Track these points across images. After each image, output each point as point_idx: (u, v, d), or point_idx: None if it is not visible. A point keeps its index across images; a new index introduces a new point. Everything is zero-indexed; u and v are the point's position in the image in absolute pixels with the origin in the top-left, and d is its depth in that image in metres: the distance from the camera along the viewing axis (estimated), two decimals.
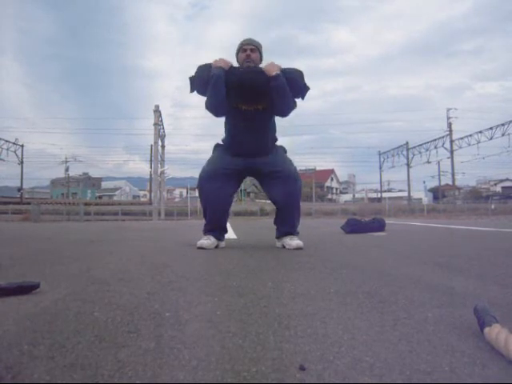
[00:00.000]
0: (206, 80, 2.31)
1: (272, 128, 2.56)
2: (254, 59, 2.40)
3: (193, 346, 0.69)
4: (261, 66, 2.43)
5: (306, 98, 2.44)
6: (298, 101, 2.44)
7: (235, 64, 2.45)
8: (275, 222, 2.62)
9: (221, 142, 2.65)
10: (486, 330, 0.71)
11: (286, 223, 2.53)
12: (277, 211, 2.59)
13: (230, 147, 2.53)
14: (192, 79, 2.40)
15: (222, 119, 2.58)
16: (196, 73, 2.39)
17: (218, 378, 0.56)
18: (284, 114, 2.46)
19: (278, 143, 2.67)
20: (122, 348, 0.68)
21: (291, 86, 2.32)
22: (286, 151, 2.66)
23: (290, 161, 2.61)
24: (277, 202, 2.53)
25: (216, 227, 2.53)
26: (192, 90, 2.41)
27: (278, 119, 2.59)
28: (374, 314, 0.91)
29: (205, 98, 2.39)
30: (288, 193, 2.47)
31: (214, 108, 2.40)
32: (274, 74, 2.25)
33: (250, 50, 2.40)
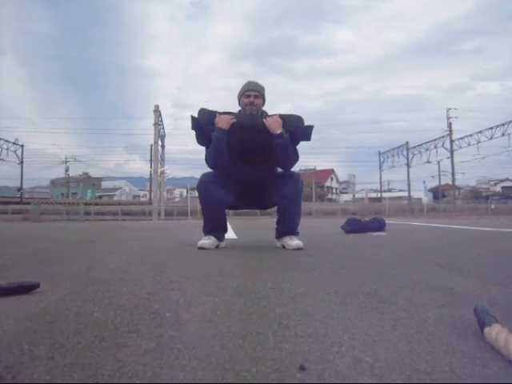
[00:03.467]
0: (208, 134, 2.36)
1: (274, 168, 2.55)
2: (257, 105, 2.43)
3: (193, 346, 0.69)
4: (264, 113, 2.45)
5: (311, 136, 2.50)
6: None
7: (235, 108, 2.50)
8: (277, 223, 2.61)
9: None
10: (486, 330, 0.71)
11: (287, 223, 2.52)
12: (278, 211, 2.58)
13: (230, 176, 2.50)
14: (194, 119, 2.43)
15: None
16: (198, 119, 2.41)
17: (218, 378, 0.56)
18: (286, 168, 2.52)
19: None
20: (121, 348, 0.68)
21: (294, 134, 2.37)
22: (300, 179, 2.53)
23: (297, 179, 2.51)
24: (278, 202, 2.53)
25: (216, 227, 2.53)
26: (193, 128, 2.44)
27: None
28: (374, 314, 0.91)
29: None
30: (289, 192, 2.45)
31: (214, 166, 2.49)
32: (278, 132, 2.29)
33: (253, 96, 2.41)
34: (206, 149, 2.47)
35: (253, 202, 2.69)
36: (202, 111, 2.43)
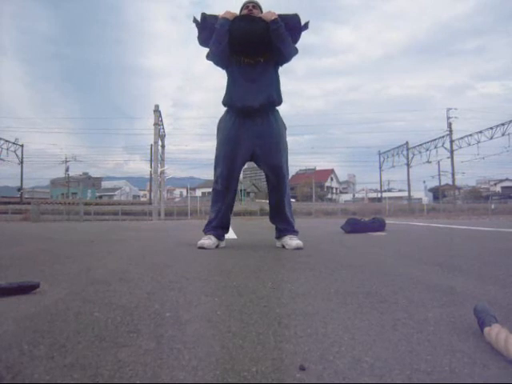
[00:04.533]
0: (210, 32, 2.47)
1: (275, 81, 2.60)
2: (255, 14, 2.57)
3: (193, 346, 0.69)
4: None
5: (308, 25, 2.57)
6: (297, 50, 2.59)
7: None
8: (271, 220, 2.71)
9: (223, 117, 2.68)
10: (486, 330, 0.71)
11: (279, 219, 2.62)
12: (269, 208, 2.70)
13: (232, 102, 2.55)
14: (196, 22, 2.53)
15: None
16: (201, 21, 2.52)
17: (218, 378, 0.56)
18: (286, 58, 2.59)
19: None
20: (121, 348, 0.68)
21: (293, 28, 2.49)
22: (285, 128, 2.69)
23: (285, 144, 2.64)
24: (269, 199, 2.68)
25: (219, 226, 2.55)
26: (194, 21, 2.53)
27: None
28: (374, 314, 0.91)
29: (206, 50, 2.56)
30: (276, 190, 2.58)
31: (215, 57, 2.56)
32: (273, 18, 2.43)
33: (251, 6, 2.58)
34: (206, 46, 2.57)
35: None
36: (205, 16, 2.54)
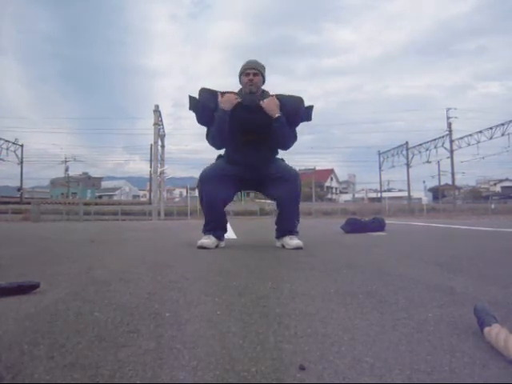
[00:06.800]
0: (210, 113, 2.41)
1: (274, 149, 2.59)
2: (256, 83, 2.45)
3: (193, 346, 0.69)
4: (264, 92, 2.50)
5: (312, 116, 2.57)
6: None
7: (236, 86, 2.54)
8: (276, 222, 2.63)
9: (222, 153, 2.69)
10: (486, 330, 0.71)
11: (286, 222, 2.54)
12: (278, 210, 2.60)
13: (231, 160, 2.56)
14: (192, 100, 2.46)
15: None
16: (200, 99, 2.44)
17: (218, 378, 0.56)
18: (284, 148, 2.59)
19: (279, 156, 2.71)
20: (121, 348, 0.68)
21: (295, 116, 2.45)
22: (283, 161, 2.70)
23: (290, 166, 2.64)
24: (278, 199, 2.56)
25: (216, 227, 2.53)
26: (191, 108, 2.47)
27: None
28: (374, 313, 0.91)
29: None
30: (288, 191, 2.48)
31: (216, 145, 2.55)
32: (276, 116, 2.35)
33: (252, 74, 2.43)
34: (207, 128, 2.52)
35: (252, 187, 2.76)
36: (204, 91, 2.48)
